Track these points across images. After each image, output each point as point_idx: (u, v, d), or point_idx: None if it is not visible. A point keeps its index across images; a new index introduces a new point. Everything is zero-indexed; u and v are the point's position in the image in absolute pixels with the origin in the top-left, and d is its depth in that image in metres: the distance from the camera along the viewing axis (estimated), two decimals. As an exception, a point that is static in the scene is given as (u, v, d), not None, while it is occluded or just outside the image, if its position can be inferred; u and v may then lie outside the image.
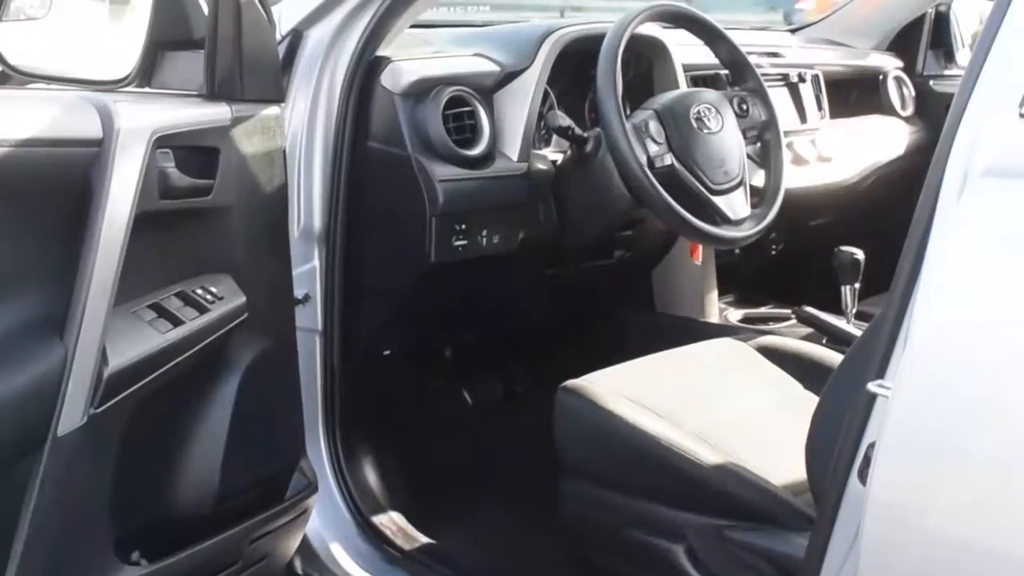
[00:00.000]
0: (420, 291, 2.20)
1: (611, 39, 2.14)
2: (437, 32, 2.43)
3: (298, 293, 2.09)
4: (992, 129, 1.21)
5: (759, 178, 2.33)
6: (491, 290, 2.38)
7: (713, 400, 2.03)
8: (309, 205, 2.14)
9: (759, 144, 2.36)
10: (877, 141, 3.14)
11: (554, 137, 2.39)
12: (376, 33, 2.09)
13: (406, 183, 2.10)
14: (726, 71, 2.59)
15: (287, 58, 2.09)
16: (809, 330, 2.60)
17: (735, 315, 2.78)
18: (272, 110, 1.82)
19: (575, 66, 2.36)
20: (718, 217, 2.20)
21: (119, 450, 1.60)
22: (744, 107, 2.32)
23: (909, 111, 3.32)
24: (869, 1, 3.36)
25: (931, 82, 3.39)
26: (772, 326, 2.70)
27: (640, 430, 1.87)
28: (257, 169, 1.79)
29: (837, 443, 1.39)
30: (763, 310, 2.86)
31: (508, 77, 2.23)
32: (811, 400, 1.98)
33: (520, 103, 2.22)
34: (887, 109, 3.27)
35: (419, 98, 2.12)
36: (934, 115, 3.33)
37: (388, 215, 2.16)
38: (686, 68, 2.52)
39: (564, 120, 2.18)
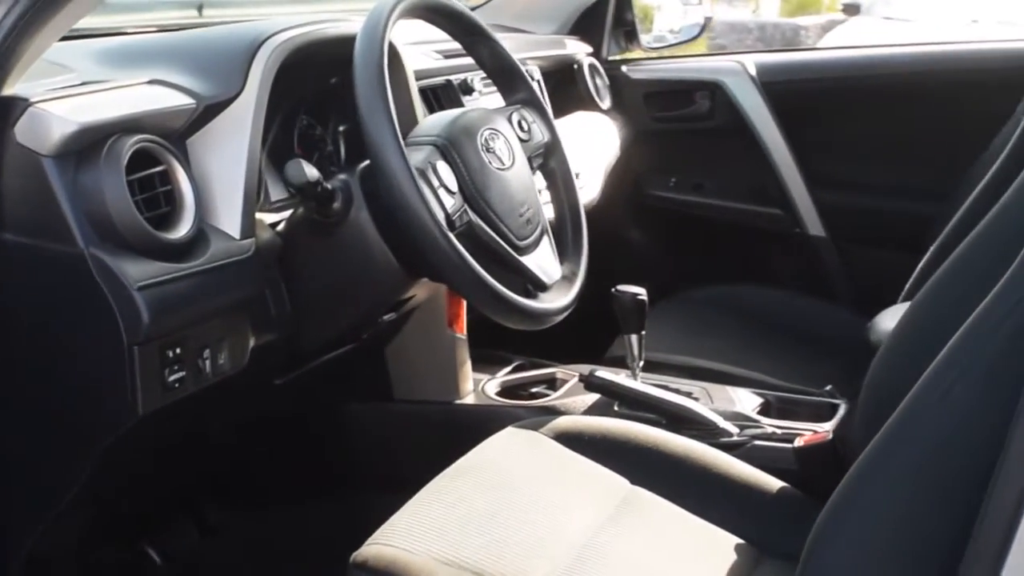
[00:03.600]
0: (111, 459, 1.42)
1: (369, 43, 1.44)
2: (75, 47, 1.59)
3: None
4: None
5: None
6: (208, 428, 1.63)
7: (546, 534, 1.46)
8: None
9: (543, 174, 1.76)
10: (597, 143, 2.64)
11: (267, 192, 1.67)
12: (0, 62, 1.29)
13: (80, 296, 1.31)
14: (459, 79, 2.00)
15: None
16: (592, 396, 2.06)
17: (492, 387, 2.17)
18: None
19: (290, 86, 1.66)
20: (530, 284, 1.60)
21: None
22: (524, 126, 1.72)
23: (607, 103, 2.86)
24: (543, -22, 2.87)
25: (623, 68, 2.95)
26: (547, 398, 2.12)
27: None
28: None
29: None
30: (507, 373, 2.26)
31: (208, 112, 1.47)
32: (647, 498, 1.59)
33: (233, 149, 1.46)
34: (588, 103, 2.78)
35: (84, 158, 1.31)
36: (631, 105, 2.92)
37: (51, 351, 1.37)
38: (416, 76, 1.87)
39: (311, 171, 1.46)
